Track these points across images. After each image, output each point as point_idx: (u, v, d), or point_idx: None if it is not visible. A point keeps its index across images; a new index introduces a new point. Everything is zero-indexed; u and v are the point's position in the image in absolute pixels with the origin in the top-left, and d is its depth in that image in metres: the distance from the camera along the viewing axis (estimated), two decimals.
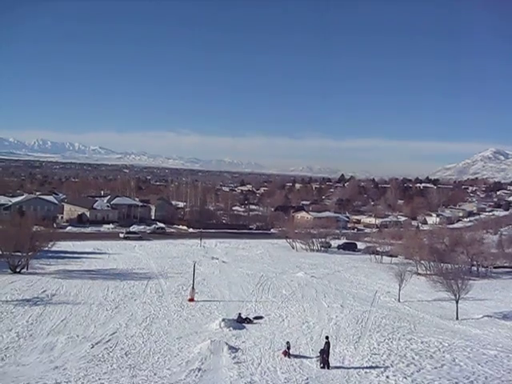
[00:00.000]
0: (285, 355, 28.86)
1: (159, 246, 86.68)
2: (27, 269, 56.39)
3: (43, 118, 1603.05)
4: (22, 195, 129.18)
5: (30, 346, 31.19)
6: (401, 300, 51.40)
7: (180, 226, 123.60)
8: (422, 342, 34.06)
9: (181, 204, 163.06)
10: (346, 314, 42.71)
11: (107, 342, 32.43)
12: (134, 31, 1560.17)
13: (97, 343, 31.90)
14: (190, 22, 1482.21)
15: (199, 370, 26.53)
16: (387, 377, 26.17)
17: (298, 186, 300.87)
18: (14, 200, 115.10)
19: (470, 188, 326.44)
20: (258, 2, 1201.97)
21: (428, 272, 69.45)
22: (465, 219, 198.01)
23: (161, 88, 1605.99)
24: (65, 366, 27.01)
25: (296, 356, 29.12)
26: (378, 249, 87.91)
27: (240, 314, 40.03)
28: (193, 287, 47.01)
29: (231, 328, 36.41)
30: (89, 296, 45.28)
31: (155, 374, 25.76)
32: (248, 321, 38.90)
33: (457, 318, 44.58)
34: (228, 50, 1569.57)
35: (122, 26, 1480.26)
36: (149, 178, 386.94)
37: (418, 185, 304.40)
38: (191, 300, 45.24)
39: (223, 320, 37.55)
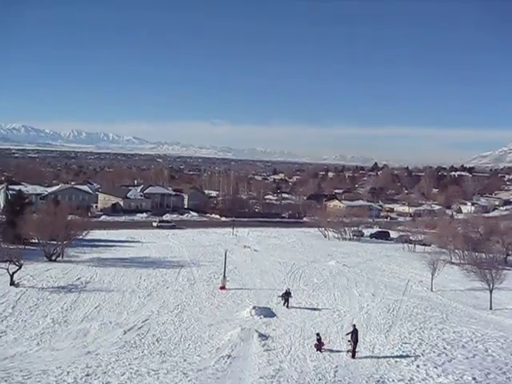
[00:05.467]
0: (317, 349, 28.58)
1: (192, 234, 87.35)
2: (62, 257, 57.41)
3: (78, 110, 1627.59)
4: (58, 185, 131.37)
5: (64, 331, 31.89)
6: (433, 289, 50.87)
7: (213, 215, 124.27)
8: (454, 332, 33.66)
9: (213, 193, 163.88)
10: (378, 302, 42.44)
11: (139, 328, 32.90)
12: (168, 20, 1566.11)
13: (129, 329, 32.40)
14: (225, 13, 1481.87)
15: (229, 356, 26.72)
16: (417, 366, 25.94)
17: (330, 174, 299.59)
18: (50, 190, 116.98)
19: (507, 176, 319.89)
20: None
21: (462, 261, 68.45)
22: (501, 208, 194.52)
23: (193, 78, 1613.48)
24: (97, 352, 27.53)
25: (330, 350, 28.85)
26: (411, 238, 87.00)
27: (289, 288, 41.38)
28: (224, 275, 47.25)
29: (262, 316, 36.52)
30: (122, 283, 45.92)
31: (185, 360, 26.05)
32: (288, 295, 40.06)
33: (490, 308, 43.92)
34: (259, 40, 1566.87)
35: (153, 14, 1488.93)
36: (182, 167, 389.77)
37: (453, 173, 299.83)
38: (222, 288, 45.50)
39: (254, 308, 37.69)
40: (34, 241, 61.68)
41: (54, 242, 57.73)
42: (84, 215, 77.70)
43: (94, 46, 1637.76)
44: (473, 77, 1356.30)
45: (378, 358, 27.57)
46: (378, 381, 23.46)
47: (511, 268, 65.91)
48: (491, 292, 45.42)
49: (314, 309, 39.64)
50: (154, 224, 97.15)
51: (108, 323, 33.72)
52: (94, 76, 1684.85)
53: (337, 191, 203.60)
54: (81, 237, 64.37)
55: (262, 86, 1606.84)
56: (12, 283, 42.49)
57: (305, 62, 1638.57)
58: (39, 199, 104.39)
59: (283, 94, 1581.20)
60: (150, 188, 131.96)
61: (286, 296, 40.04)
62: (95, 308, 37.57)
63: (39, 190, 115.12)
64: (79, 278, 46.96)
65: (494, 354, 28.83)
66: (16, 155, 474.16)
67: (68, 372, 22.29)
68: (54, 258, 56.30)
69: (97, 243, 69.59)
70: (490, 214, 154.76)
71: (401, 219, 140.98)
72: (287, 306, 39.46)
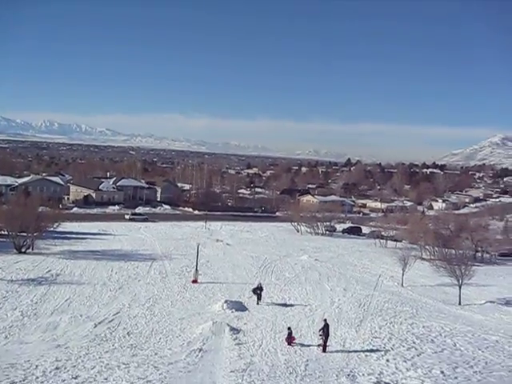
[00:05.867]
0: (288, 343, 28.65)
1: (164, 227, 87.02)
2: (32, 249, 56.73)
3: (50, 100, 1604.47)
4: (29, 176, 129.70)
5: (33, 324, 31.42)
6: (404, 285, 51.50)
7: (185, 208, 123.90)
8: (423, 327, 34.06)
9: (187, 186, 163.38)
10: (349, 297, 42.77)
11: (110, 321, 32.62)
12: (141, 14, 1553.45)
13: (100, 323, 32.10)
14: (198, 5, 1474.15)
15: (200, 350, 26.65)
16: (387, 360, 26.19)
17: (304, 169, 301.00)
18: (21, 181, 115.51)
19: (477, 174, 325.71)
20: None
21: (432, 257, 69.47)
22: (471, 205, 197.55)
23: (169, 70, 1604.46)
24: (67, 345, 27.21)
25: (301, 344, 28.93)
26: (383, 233, 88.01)
27: (260, 283, 40.82)
28: (196, 269, 47.15)
29: (233, 310, 36.51)
30: (93, 276, 45.53)
31: (156, 354, 25.92)
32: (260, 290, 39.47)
33: (459, 304, 44.66)
34: (234, 33, 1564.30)
35: (130, 9, 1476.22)
36: (155, 160, 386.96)
37: (425, 170, 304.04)
38: (194, 281, 45.40)
39: (226, 302, 37.63)
40: (3, 232, 60.78)
41: (24, 234, 57.03)
42: (55, 207, 76.84)
43: (69, 40, 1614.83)
44: (446, 74, 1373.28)
45: (349, 352, 27.76)
46: (349, 375, 23.61)
47: (480, 264, 67.29)
48: (460, 288, 46.15)
49: (286, 303, 39.77)
50: (127, 217, 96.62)
51: (78, 316, 33.37)
52: (68, 67, 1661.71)
53: (310, 186, 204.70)
54: (52, 229, 63.66)
55: (240, 81, 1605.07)
56: None
57: (284, 57, 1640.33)
58: (9, 190, 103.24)
59: (261, 89, 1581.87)
60: (123, 180, 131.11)
61: (258, 291, 39.64)
62: (65, 301, 37.15)
63: (9, 180, 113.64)
64: (49, 271, 46.43)
65: (461, 349, 29.24)
66: None
67: (37, 365, 22.02)
68: (23, 250, 55.59)
69: (68, 235, 68.88)
70: (461, 211, 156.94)
71: (373, 215, 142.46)
72: (258, 302, 39.06)
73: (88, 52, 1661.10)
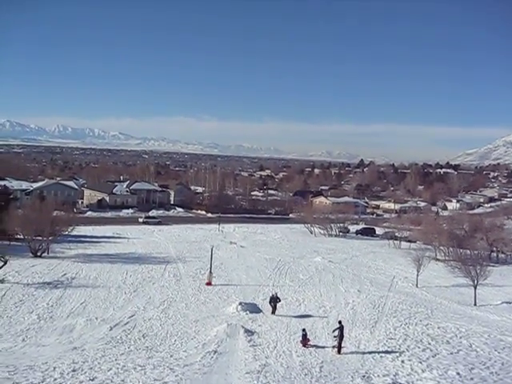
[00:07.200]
0: (303, 345, 28.67)
1: (178, 230, 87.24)
2: (48, 253, 57.20)
3: (63, 105, 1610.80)
4: (43, 180, 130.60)
5: (50, 327, 31.79)
6: (418, 285, 51.29)
7: (199, 211, 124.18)
8: (438, 328, 33.90)
9: (200, 189, 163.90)
10: (363, 298, 42.71)
11: (125, 324, 32.89)
12: (153, 17, 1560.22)
13: (115, 325, 32.37)
14: (208, 10, 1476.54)
15: (215, 352, 26.72)
16: (402, 361, 26.11)
17: (316, 171, 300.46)
18: (35, 185, 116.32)
19: (492, 173, 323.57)
20: None
21: (447, 258, 69.07)
22: (485, 205, 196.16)
23: (180, 74, 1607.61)
24: (83, 347, 27.44)
25: (315, 346, 28.94)
26: (397, 234, 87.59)
27: (276, 293, 38.66)
28: (210, 271, 47.32)
29: (248, 311, 36.61)
30: (108, 279, 45.86)
31: (171, 356, 26.04)
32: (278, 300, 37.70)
33: (475, 304, 44.41)
34: (245, 36, 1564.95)
35: (140, 11, 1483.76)
36: (168, 163, 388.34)
37: (439, 170, 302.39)
38: (209, 284, 45.58)
39: (240, 304, 37.78)
40: (19, 237, 61.20)
41: (40, 238, 57.49)
42: (69, 211, 77.21)
43: (80, 44, 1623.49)
44: (460, 74, 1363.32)
45: (364, 353, 27.72)
46: (364, 376, 23.57)
47: (495, 265, 66.83)
48: (475, 288, 45.88)
49: (300, 305, 39.82)
50: (140, 220, 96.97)
51: (94, 319, 33.66)
52: (80, 71, 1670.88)
53: (323, 188, 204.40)
54: (66, 233, 64.17)
55: (251, 83, 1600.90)
56: None
57: (295, 60, 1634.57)
58: (24, 195, 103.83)
59: (273, 91, 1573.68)
60: (136, 184, 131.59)
61: (273, 302, 37.31)
62: (81, 304, 37.49)
63: (24, 185, 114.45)
64: (65, 274, 46.84)
65: (477, 350, 29.07)
66: (1, 150, 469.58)
67: (54, 367, 22.20)
68: (39, 253, 56.07)
69: (82, 239, 69.36)
70: (475, 211, 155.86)
71: (386, 216, 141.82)
72: (273, 313, 36.78)
73: (100, 56, 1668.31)
